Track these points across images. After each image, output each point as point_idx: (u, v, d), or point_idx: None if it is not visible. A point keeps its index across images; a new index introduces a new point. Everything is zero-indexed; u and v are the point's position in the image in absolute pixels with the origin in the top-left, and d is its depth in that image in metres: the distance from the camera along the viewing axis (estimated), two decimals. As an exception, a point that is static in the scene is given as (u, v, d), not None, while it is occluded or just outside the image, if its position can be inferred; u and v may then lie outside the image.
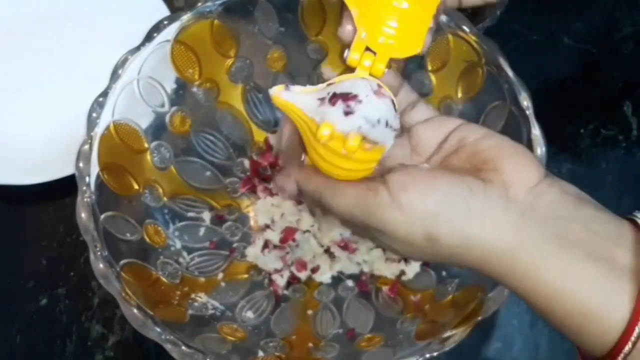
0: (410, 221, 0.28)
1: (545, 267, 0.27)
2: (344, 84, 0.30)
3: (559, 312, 0.27)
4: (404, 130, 0.32)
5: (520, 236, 0.27)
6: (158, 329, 0.35)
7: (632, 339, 0.25)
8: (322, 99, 0.29)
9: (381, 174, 0.30)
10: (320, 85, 0.30)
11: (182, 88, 0.45)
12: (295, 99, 0.30)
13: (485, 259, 0.28)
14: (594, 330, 0.27)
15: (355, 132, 0.29)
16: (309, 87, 0.30)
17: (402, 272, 0.45)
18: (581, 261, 0.27)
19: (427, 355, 0.35)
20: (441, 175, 0.29)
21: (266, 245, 0.47)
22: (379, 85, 0.30)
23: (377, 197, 0.28)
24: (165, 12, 0.56)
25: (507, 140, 0.31)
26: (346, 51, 0.31)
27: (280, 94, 0.30)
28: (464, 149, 0.30)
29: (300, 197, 0.33)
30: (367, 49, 0.30)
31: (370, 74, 0.30)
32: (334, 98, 0.29)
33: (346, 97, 0.29)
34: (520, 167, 0.29)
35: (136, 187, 0.42)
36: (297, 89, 0.30)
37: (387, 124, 0.29)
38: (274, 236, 0.46)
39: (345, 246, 0.46)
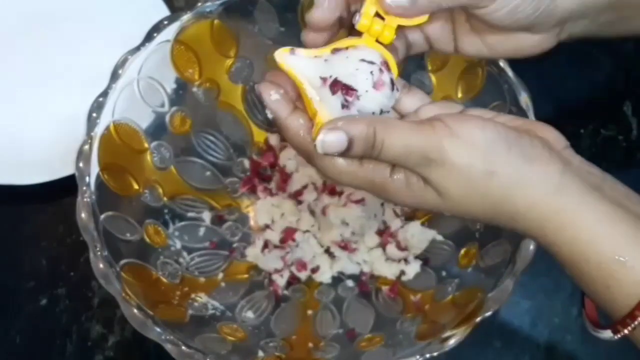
0: (471, 149, 0.28)
1: (588, 212, 0.28)
2: (347, 67, 0.30)
3: (594, 260, 0.28)
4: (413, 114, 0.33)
5: (565, 183, 0.28)
6: (158, 329, 0.35)
7: None
8: (324, 79, 0.30)
9: None
10: (325, 51, 0.31)
11: (182, 88, 0.45)
12: (299, 66, 0.30)
13: (532, 203, 0.28)
14: (624, 281, 0.27)
15: None
16: (313, 50, 0.31)
17: (402, 272, 0.45)
18: (616, 212, 0.28)
19: (427, 355, 0.35)
20: (489, 119, 0.30)
21: (266, 245, 0.47)
22: (382, 62, 0.30)
23: (436, 129, 0.28)
24: (165, 12, 0.56)
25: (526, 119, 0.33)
26: (356, 15, 0.31)
27: (285, 58, 0.30)
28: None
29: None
30: (377, 15, 0.31)
31: (378, 41, 0.31)
32: (335, 85, 0.30)
33: (347, 89, 0.30)
34: (551, 133, 0.32)
35: (136, 187, 0.42)
36: (301, 52, 0.31)
37: (381, 112, 0.31)
38: (273, 236, 0.46)
39: (345, 246, 0.46)
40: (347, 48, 0.30)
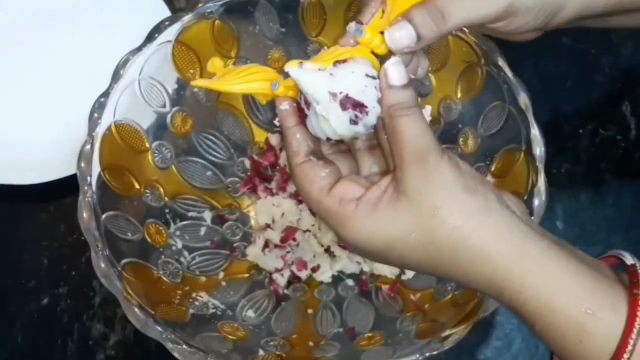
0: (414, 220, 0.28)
1: (550, 262, 0.27)
2: (356, 83, 0.30)
3: (562, 312, 0.27)
4: None
5: (524, 239, 0.27)
6: (159, 328, 0.36)
7: (629, 347, 0.26)
8: (333, 95, 0.30)
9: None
10: (328, 63, 0.31)
11: (183, 88, 0.45)
12: (307, 80, 0.30)
13: (490, 251, 0.27)
14: (596, 334, 0.26)
15: (352, 135, 0.31)
16: (317, 62, 0.31)
17: (402, 272, 0.45)
18: (577, 264, 0.27)
19: (427, 354, 0.35)
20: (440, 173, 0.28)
21: (267, 244, 0.47)
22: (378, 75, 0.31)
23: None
24: (166, 12, 0.56)
25: None
26: (354, 25, 0.31)
27: (294, 71, 0.31)
28: None
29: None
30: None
31: (373, 52, 0.31)
32: (347, 102, 0.30)
33: (359, 106, 0.30)
34: (513, 199, 0.31)
35: (137, 187, 0.42)
36: (308, 65, 0.31)
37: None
38: (274, 236, 0.47)
39: (345, 246, 0.46)
40: (345, 60, 0.31)
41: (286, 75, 0.31)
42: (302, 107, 0.32)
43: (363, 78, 0.30)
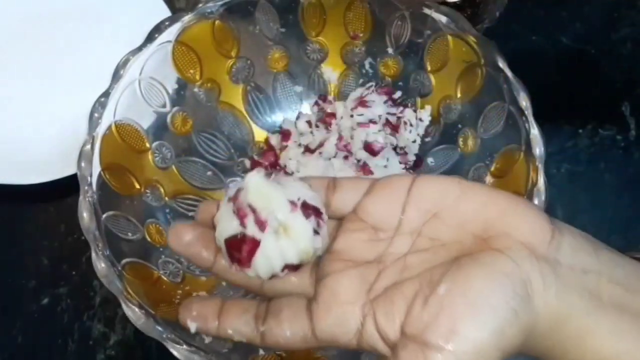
0: (484, 356, 0.23)
1: (592, 333, 0.25)
2: (303, 189, 0.27)
3: None
4: (352, 214, 0.28)
5: (563, 303, 0.25)
6: (159, 328, 0.36)
7: None
8: (292, 203, 0.27)
9: (366, 300, 0.26)
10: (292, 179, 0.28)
11: (183, 88, 0.46)
12: (266, 190, 0.27)
13: (537, 337, 0.25)
14: None
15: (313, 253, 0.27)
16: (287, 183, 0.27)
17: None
18: (621, 321, 0.25)
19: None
20: (467, 282, 0.24)
21: (267, 244, 0.47)
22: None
23: None
24: (166, 12, 0.56)
25: (494, 192, 0.27)
26: None
27: (254, 177, 0.27)
28: (448, 214, 0.27)
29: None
30: None
31: None
32: (305, 208, 0.27)
33: (316, 212, 0.27)
34: (530, 221, 0.25)
35: (138, 186, 0.43)
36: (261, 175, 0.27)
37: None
38: (274, 235, 0.47)
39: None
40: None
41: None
42: (246, 239, 0.26)
43: (306, 186, 0.28)
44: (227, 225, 0.27)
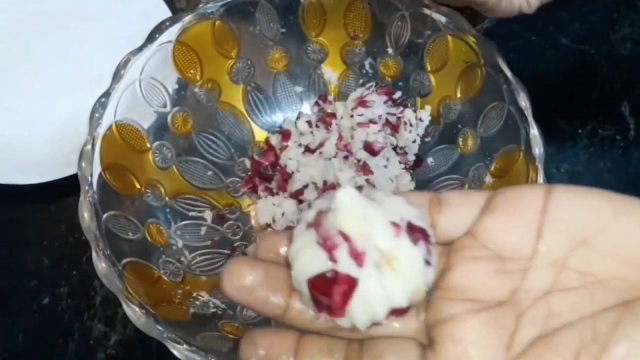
0: None
1: None
2: (406, 206, 0.21)
3: None
4: (468, 238, 0.22)
5: None
6: (160, 328, 0.36)
7: None
8: (396, 225, 0.20)
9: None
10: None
11: (183, 88, 0.46)
12: (362, 210, 0.20)
13: None
14: None
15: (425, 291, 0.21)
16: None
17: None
18: None
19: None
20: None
21: (267, 244, 0.47)
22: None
23: None
24: (167, 13, 0.56)
25: None
26: None
27: (347, 194, 0.20)
28: (602, 242, 0.20)
29: None
30: None
31: None
32: (412, 230, 0.20)
33: (424, 234, 0.21)
34: None
35: (138, 186, 0.43)
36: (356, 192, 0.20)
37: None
38: (274, 235, 0.47)
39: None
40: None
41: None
42: (338, 278, 0.20)
43: (405, 201, 0.22)
44: (311, 261, 0.21)
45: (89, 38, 0.57)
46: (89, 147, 0.39)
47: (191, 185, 0.47)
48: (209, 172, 0.48)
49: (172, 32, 0.43)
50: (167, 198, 0.45)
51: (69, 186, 0.44)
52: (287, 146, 0.49)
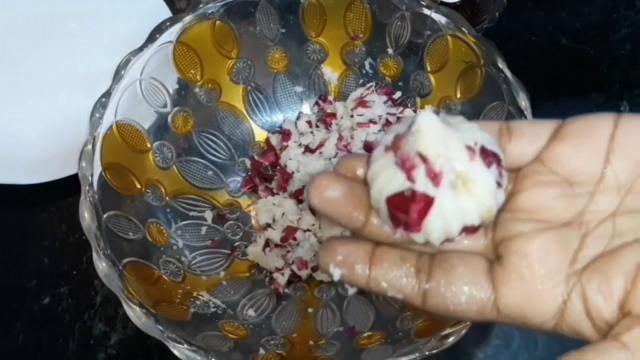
0: None
1: None
2: (479, 131, 0.23)
3: None
4: (537, 164, 0.23)
5: None
6: (160, 327, 0.36)
7: None
8: (470, 149, 0.22)
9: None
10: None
11: (184, 88, 0.46)
12: (441, 135, 0.21)
13: None
14: None
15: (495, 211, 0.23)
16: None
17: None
18: None
19: (427, 353, 0.35)
20: None
21: (267, 244, 0.47)
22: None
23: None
24: (167, 13, 0.56)
25: None
26: None
27: (428, 117, 0.21)
28: None
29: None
30: None
31: None
32: (485, 155, 0.22)
33: (496, 158, 0.22)
34: None
35: (138, 186, 0.43)
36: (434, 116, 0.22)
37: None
38: (275, 235, 0.47)
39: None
40: None
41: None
42: (416, 196, 0.21)
43: (479, 127, 0.23)
44: (390, 180, 0.22)
45: (89, 38, 0.57)
46: (90, 147, 0.39)
47: (191, 185, 0.47)
48: (209, 172, 0.48)
49: (172, 32, 0.43)
50: (167, 198, 0.45)
51: (69, 186, 0.44)
52: (287, 146, 0.49)
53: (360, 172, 0.24)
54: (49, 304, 0.48)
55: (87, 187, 0.38)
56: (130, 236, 0.40)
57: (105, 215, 0.39)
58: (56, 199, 0.51)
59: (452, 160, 0.21)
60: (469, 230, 0.22)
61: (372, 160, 0.23)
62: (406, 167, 0.21)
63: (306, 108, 0.51)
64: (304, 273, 0.46)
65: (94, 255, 0.37)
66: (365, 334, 0.42)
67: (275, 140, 0.50)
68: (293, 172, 0.48)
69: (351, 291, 0.46)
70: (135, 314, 0.36)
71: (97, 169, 0.39)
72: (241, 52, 0.47)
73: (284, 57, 0.49)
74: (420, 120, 0.21)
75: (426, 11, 0.44)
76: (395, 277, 0.23)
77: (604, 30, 0.58)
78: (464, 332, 0.36)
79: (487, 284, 0.22)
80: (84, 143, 0.39)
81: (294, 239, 0.47)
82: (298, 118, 0.51)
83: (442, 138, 0.21)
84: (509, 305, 0.22)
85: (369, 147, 0.46)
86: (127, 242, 0.40)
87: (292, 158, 0.48)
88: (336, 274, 0.23)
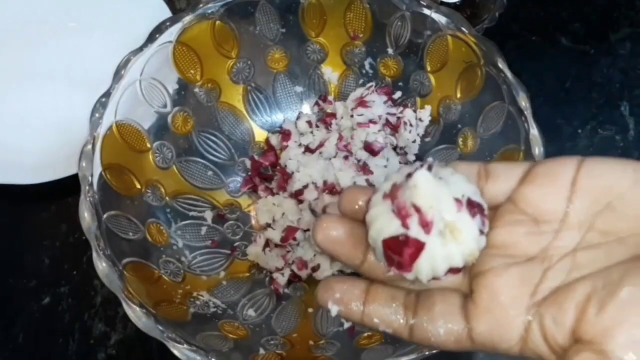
0: None
1: None
2: (465, 183, 0.25)
3: None
4: (509, 204, 0.26)
5: None
6: (160, 327, 0.36)
7: None
8: (458, 201, 0.24)
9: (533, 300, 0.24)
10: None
11: (184, 88, 0.46)
12: (433, 188, 0.24)
13: None
14: None
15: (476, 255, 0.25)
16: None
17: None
18: None
19: (426, 353, 0.35)
20: None
21: (267, 244, 0.47)
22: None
23: None
24: (167, 13, 0.56)
25: None
26: None
27: (423, 175, 0.24)
28: (624, 204, 0.23)
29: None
30: None
31: None
32: (470, 205, 0.24)
33: (480, 209, 0.25)
34: None
35: (138, 186, 0.43)
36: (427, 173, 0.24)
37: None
38: (275, 235, 0.47)
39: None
40: None
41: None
42: (409, 241, 0.24)
43: (465, 179, 0.25)
44: (386, 225, 0.25)
45: (89, 38, 0.57)
46: (89, 147, 0.39)
47: (191, 185, 0.47)
48: (209, 172, 0.48)
49: (172, 32, 0.43)
50: (167, 198, 0.45)
51: (69, 186, 0.44)
52: (287, 146, 0.49)
53: (361, 204, 0.27)
54: (49, 304, 0.48)
55: (87, 187, 0.38)
56: (130, 236, 0.40)
57: (105, 216, 0.39)
58: (56, 199, 0.51)
59: (442, 211, 0.24)
60: (454, 271, 0.25)
61: (371, 205, 0.26)
62: (401, 215, 0.24)
63: (306, 108, 0.51)
64: (304, 273, 0.46)
65: (94, 255, 0.37)
66: (365, 334, 0.42)
67: (275, 140, 0.50)
68: (293, 172, 0.48)
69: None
70: (135, 314, 0.36)
71: (97, 169, 0.39)
72: (241, 52, 0.47)
73: (284, 57, 0.49)
74: (417, 177, 0.24)
75: (426, 11, 0.44)
76: (386, 314, 0.26)
77: (604, 30, 0.58)
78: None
79: (461, 318, 0.25)
80: (83, 143, 0.39)
81: (294, 239, 0.47)
82: (298, 118, 0.51)
83: (434, 192, 0.24)
84: (480, 335, 0.25)
85: (368, 147, 0.46)
86: (127, 242, 0.40)
87: (292, 158, 0.48)
88: (334, 310, 0.27)
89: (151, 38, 0.42)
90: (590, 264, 0.23)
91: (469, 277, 0.26)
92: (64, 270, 0.49)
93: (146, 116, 0.44)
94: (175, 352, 0.35)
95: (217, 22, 0.45)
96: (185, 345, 0.36)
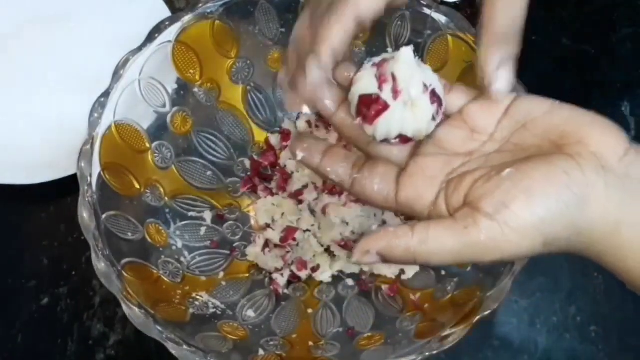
0: (525, 236, 0.27)
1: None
2: (436, 80, 0.31)
3: None
4: (457, 114, 0.32)
5: (625, 213, 0.27)
6: (159, 328, 0.36)
7: None
8: (426, 87, 0.30)
9: (449, 176, 0.30)
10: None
11: (183, 88, 0.46)
12: (412, 68, 0.30)
13: (592, 242, 0.27)
14: None
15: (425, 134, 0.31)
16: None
17: (402, 271, 0.46)
18: None
19: (427, 354, 0.35)
20: (530, 171, 0.27)
21: (267, 244, 0.47)
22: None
23: (481, 232, 0.27)
24: (166, 12, 0.56)
25: (581, 110, 0.30)
26: None
27: (408, 53, 0.30)
28: (535, 125, 0.30)
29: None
30: None
31: None
32: (433, 95, 0.30)
33: (439, 102, 0.31)
34: (607, 135, 0.28)
35: (137, 186, 0.43)
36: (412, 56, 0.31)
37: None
38: (274, 235, 0.47)
39: (345, 245, 0.46)
40: None
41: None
42: (379, 100, 0.30)
43: (438, 78, 0.31)
44: (366, 84, 0.30)
45: (89, 38, 0.57)
46: (88, 147, 0.39)
47: (191, 186, 0.46)
48: (209, 172, 0.48)
49: (171, 32, 0.43)
50: (166, 198, 0.44)
51: (68, 186, 0.44)
52: (287, 146, 0.49)
53: (350, 73, 0.32)
54: (47, 304, 0.48)
55: (86, 187, 0.38)
56: (129, 236, 0.40)
57: (104, 216, 0.39)
58: (55, 199, 0.51)
59: (411, 87, 0.29)
60: (402, 139, 0.31)
61: (362, 69, 0.31)
62: (381, 80, 0.30)
63: (306, 108, 0.51)
64: (303, 274, 0.46)
65: (93, 255, 0.37)
66: (365, 335, 0.42)
67: (274, 140, 0.50)
68: (292, 172, 0.48)
69: (351, 292, 0.46)
70: (134, 314, 0.36)
71: (96, 169, 0.39)
72: (241, 51, 0.47)
73: (283, 56, 0.49)
74: (402, 51, 0.30)
75: (426, 11, 0.44)
76: (337, 167, 0.33)
77: (605, 30, 0.58)
78: (464, 333, 0.36)
79: (393, 182, 0.32)
80: (82, 143, 0.39)
81: (294, 239, 0.47)
82: (298, 118, 0.50)
83: (410, 69, 0.30)
84: (402, 198, 0.31)
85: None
86: (126, 242, 0.40)
87: (292, 158, 0.48)
88: (299, 155, 0.33)
89: (150, 38, 0.42)
90: (497, 161, 0.30)
91: (409, 157, 0.32)
92: (63, 271, 0.49)
93: (145, 116, 0.43)
94: (174, 353, 0.35)
95: (217, 22, 0.45)
96: (184, 346, 0.36)
